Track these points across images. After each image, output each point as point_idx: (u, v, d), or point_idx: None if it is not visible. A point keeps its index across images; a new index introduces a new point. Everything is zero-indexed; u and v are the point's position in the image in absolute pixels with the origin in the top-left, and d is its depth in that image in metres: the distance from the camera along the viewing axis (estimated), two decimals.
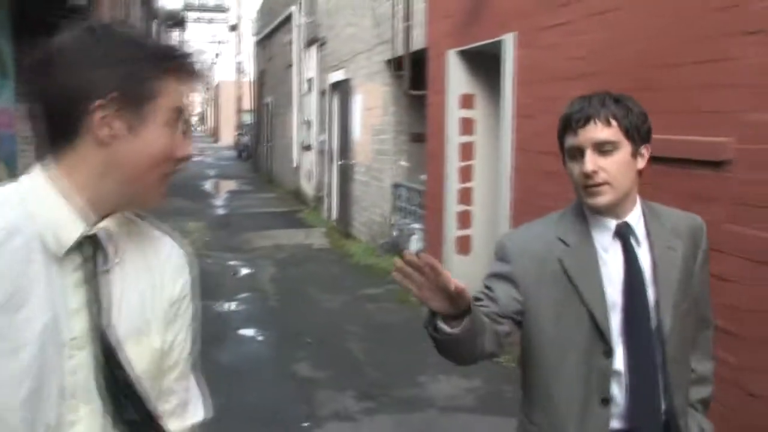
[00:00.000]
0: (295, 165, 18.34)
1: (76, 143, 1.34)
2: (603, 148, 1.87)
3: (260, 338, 7.03)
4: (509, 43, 6.13)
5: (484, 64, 7.16)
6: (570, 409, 1.95)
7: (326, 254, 11.36)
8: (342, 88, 12.95)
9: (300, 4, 16.62)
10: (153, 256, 1.51)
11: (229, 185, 22.79)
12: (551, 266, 1.97)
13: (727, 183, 3.60)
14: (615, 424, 1.94)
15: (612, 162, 1.88)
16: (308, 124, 16.46)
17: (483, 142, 7.49)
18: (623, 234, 1.96)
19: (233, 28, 43.29)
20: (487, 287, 2.01)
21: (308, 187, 16.79)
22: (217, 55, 54.27)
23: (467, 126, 7.55)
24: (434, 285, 1.59)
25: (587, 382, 1.93)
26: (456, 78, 7.51)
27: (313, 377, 5.83)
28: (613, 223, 1.96)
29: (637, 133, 1.91)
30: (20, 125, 10.53)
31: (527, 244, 2.04)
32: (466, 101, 7.55)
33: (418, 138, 9.81)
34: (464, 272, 7.43)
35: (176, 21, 24.20)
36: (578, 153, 1.90)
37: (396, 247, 9.90)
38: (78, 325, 1.34)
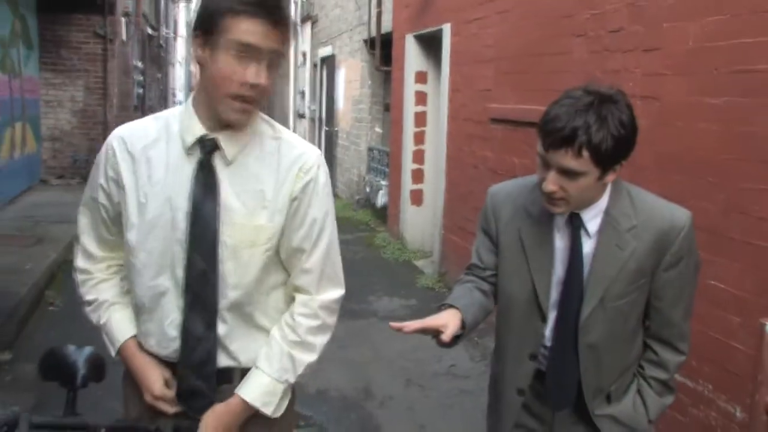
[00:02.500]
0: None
1: (199, 67, 1.68)
2: (569, 174, 1.83)
3: None
4: (447, 32, 7.47)
5: (434, 47, 8.27)
6: (509, 354, 2.18)
7: None
8: (329, 62, 14.10)
9: None
10: (282, 158, 1.80)
11: None
12: (513, 230, 2.10)
13: None
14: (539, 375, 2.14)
15: (575, 186, 1.85)
16: (302, 94, 17.62)
17: (433, 112, 8.71)
18: (573, 224, 2.00)
19: None
20: (477, 247, 2.24)
21: None
22: None
23: (421, 98, 8.83)
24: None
25: (523, 336, 2.12)
26: (412, 58, 8.76)
27: None
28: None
29: (610, 160, 1.83)
30: (43, 91, 11.81)
31: (502, 205, 2.16)
32: (420, 77, 8.82)
33: (389, 108, 10.83)
34: (417, 219, 8.94)
35: None
36: (545, 164, 1.88)
37: (368, 202, 11.27)
38: (190, 200, 1.72)
